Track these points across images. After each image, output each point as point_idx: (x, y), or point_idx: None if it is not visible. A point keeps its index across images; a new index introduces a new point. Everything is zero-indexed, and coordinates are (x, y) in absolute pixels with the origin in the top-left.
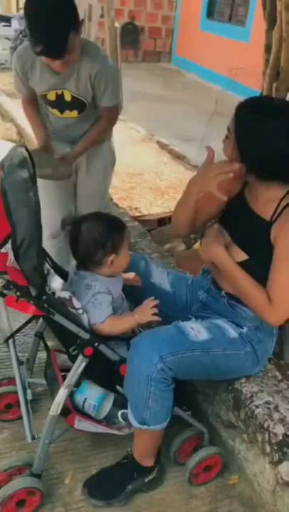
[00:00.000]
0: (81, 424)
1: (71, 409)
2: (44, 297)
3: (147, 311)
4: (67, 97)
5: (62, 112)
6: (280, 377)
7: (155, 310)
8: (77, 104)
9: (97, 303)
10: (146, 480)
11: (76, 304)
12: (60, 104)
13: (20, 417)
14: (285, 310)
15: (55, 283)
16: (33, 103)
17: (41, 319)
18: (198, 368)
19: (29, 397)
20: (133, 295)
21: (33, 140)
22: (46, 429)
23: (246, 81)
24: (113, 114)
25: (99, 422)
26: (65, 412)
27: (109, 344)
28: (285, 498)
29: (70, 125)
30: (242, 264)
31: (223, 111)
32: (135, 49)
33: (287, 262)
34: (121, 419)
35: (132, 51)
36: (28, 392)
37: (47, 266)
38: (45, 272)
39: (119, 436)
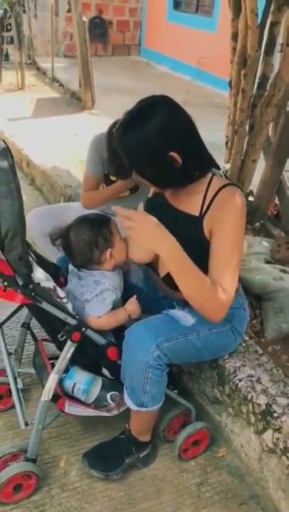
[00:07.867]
0: (71, 409)
1: (61, 394)
2: (31, 286)
3: (135, 305)
4: None
5: None
6: (261, 352)
7: (138, 305)
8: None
9: (102, 298)
10: (142, 455)
11: (60, 293)
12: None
13: (12, 407)
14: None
15: (39, 274)
16: (94, 189)
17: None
18: (192, 350)
19: (20, 386)
20: None
21: (6, 137)
22: (38, 414)
23: (215, 70)
24: None
25: (88, 405)
26: (55, 398)
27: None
28: (270, 464)
29: (121, 200)
30: None
31: (194, 101)
32: (104, 43)
33: (230, 249)
34: (110, 401)
35: (101, 45)
36: (19, 381)
37: (30, 258)
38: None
39: (109, 418)
